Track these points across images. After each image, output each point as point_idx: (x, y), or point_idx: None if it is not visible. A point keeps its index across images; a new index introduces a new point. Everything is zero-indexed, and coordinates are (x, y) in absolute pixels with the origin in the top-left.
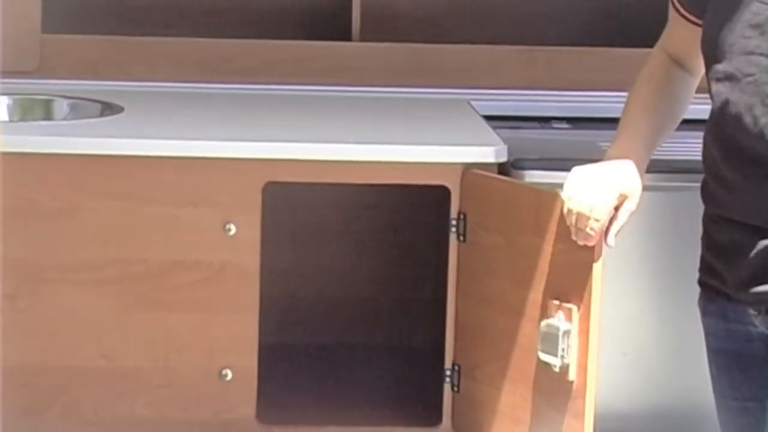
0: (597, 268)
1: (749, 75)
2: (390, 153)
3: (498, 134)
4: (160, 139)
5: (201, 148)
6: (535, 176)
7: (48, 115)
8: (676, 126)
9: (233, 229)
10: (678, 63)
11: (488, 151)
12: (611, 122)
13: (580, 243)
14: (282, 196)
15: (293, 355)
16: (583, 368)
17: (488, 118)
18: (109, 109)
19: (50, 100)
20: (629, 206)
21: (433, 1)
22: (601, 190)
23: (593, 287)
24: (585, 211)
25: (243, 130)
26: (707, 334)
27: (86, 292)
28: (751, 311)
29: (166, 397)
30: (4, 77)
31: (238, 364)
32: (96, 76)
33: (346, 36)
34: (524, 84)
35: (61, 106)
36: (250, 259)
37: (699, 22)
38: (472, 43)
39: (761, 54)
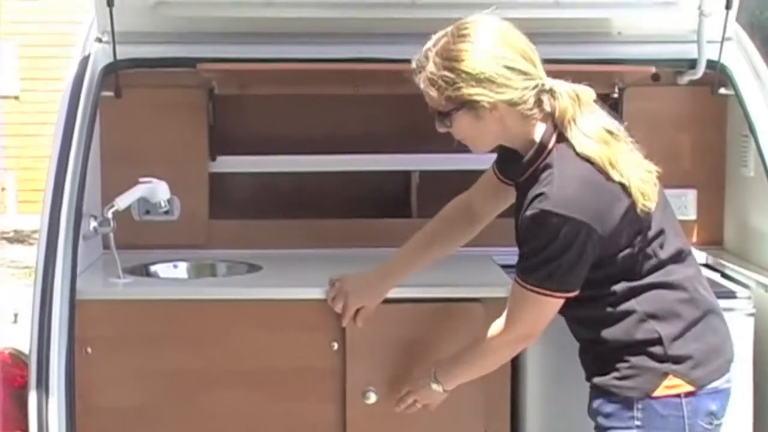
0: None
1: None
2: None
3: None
4: (288, 287)
5: (316, 293)
6: None
7: (213, 274)
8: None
9: (335, 345)
10: (471, 209)
11: None
12: None
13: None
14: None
15: None
16: None
17: (504, 267)
18: (253, 268)
19: (214, 264)
20: (362, 314)
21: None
22: (343, 303)
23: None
24: (338, 311)
25: None
26: None
27: (240, 391)
28: None
29: None
30: (183, 249)
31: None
32: (244, 246)
33: (407, 214)
34: None
35: (221, 268)
36: (346, 366)
37: (510, 182)
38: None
39: None
